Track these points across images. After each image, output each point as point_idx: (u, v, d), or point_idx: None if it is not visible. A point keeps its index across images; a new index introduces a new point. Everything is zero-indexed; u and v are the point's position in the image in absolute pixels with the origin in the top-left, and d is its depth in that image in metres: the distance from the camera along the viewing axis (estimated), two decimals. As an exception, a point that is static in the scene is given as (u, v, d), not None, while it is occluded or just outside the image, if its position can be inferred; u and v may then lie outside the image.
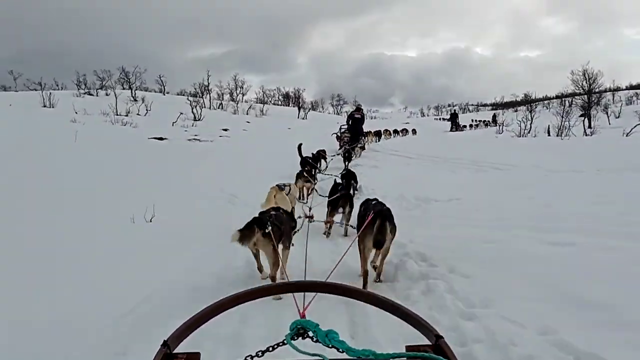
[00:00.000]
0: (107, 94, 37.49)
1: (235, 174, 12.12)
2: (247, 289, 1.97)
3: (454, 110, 56.68)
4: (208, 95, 45.93)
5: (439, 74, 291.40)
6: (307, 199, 9.95)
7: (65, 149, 13.01)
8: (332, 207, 7.35)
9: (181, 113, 25.49)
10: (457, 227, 6.75)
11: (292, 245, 5.54)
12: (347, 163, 14.70)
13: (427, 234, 6.34)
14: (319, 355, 1.42)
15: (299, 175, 10.31)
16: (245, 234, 4.69)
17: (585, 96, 39.25)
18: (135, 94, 39.19)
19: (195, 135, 21.09)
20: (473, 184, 10.49)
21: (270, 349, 1.69)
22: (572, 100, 41.25)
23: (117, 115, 26.12)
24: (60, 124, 18.95)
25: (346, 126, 20.44)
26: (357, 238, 5.11)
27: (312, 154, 14.38)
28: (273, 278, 4.84)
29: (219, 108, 43.01)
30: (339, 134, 20.86)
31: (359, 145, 19.77)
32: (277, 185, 8.18)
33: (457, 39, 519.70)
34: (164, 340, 1.50)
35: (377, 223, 4.86)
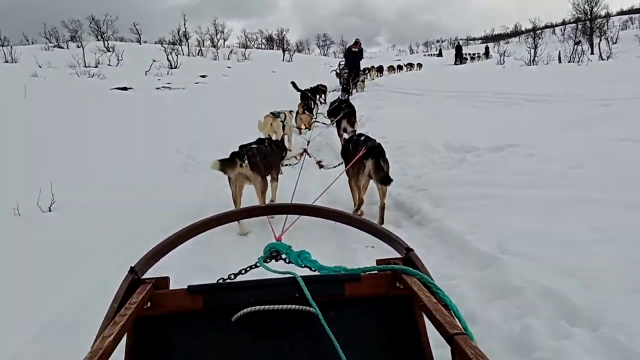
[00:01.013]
0: (78, 46, 35.06)
1: (202, 128, 10.13)
2: (217, 213, 2.14)
3: (458, 43, 55.74)
4: (186, 42, 43.46)
5: (423, 10, 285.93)
6: (311, 129, 9.78)
7: (9, 106, 11.36)
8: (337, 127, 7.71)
9: (154, 60, 23.36)
10: (569, 205, 4.04)
11: (281, 173, 5.60)
12: (346, 96, 14.25)
13: (522, 230, 3.75)
14: (289, 273, 1.47)
15: (298, 108, 10.21)
16: (226, 164, 4.66)
17: (579, 23, 37.40)
18: (107, 44, 36.58)
19: (168, 84, 19.25)
20: (515, 122, 8.38)
21: (243, 271, 1.80)
22: (576, 27, 39.05)
23: (86, 67, 24.13)
24: (18, 80, 17.14)
25: (344, 62, 19.65)
26: (348, 175, 5.10)
27: (311, 87, 13.69)
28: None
29: (198, 55, 40.53)
30: (338, 70, 20.33)
31: (360, 79, 19.45)
32: (271, 113, 8.14)
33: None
34: (131, 267, 1.54)
35: (371, 162, 4.80)
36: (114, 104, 13.06)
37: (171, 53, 27.69)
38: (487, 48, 55.75)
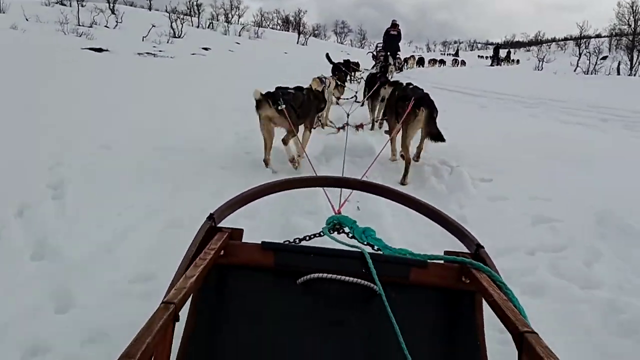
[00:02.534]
0: (82, 5, 32.84)
1: (149, 112, 6.96)
2: (292, 177, 2.26)
3: (497, 44, 54.08)
4: (198, 13, 41.15)
5: (440, 8, 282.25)
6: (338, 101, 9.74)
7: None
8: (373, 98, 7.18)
9: (153, 26, 21.05)
10: None
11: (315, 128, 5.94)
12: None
13: None
14: (357, 248, 1.48)
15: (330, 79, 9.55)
16: (262, 102, 4.65)
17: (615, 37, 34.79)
18: (113, 6, 34.16)
19: (160, 51, 16.94)
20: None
21: (307, 238, 1.83)
22: (617, 40, 36.45)
23: (79, 25, 21.88)
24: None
25: (382, 44, 18.83)
26: (401, 128, 4.93)
27: (344, 60, 13.33)
28: (284, 141, 4.80)
29: (208, 28, 38.16)
30: (374, 53, 19.74)
31: (397, 65, 19.13)
32: (318, 77, 8.34)
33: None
34: (210, 213, 1.58)
35: (424, 113, 4.73)
36: (72, 68, 10.51)
37: (176, 21, 25.36)
38: (497, 48, 50.44)
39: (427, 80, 16.79)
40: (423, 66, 33.12)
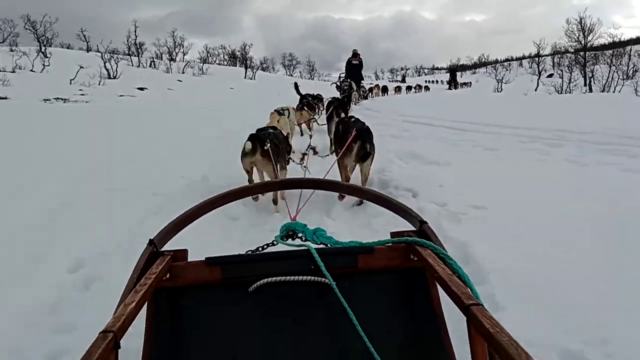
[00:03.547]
0: (11, 50, 30.65)
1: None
2: (235, 187, 2.18)
3: (454, 67, 55.82)
4: (139, 53, 39.49)
5: (385, 38, 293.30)
6: (310, 130, 10.04)
7: None
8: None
9: (81, 67, 19.33)
10: None
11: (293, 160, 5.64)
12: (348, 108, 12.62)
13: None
14: (305, 246, 1.51)
15: (299, 109, 10.02)
16: (253, 148, 4.67)
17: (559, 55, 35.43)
18: (45, 49, 32.01)
19: (82, 94, 15.20)
20: None
21: (260, 248, 1.84)
22: (560, 58, 37.21)
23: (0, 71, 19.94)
24: None
25: (345, 74, 19.25)
26: (338, 159, 5.15)
27: (308, 95, 13.20)
28: (274, 201, 4.83)
29: (150, 66, 36.51)
30: (338, 83, 19.70)
31: (358, 96, 19.60)
32: (275, 110, 8.15)
33: (403, 2, 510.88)
34: (150, 239, 1.58)
35: (358, 144, 4.92)
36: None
37: (109, 61, 23.70)
38: (453, 73, 51.32)
39: (396, 111, 15.34)
40: (387, 94, 33.27)
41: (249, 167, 4.85)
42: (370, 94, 28.70)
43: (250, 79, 41.27)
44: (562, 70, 29.42)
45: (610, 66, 21.88)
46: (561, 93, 19.91)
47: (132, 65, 33.60)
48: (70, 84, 18.56)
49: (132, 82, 21.59)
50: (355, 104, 18.89)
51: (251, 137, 4.77)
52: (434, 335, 1.46)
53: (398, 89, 37.98)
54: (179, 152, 7.52)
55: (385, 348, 1.32)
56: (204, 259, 1.47)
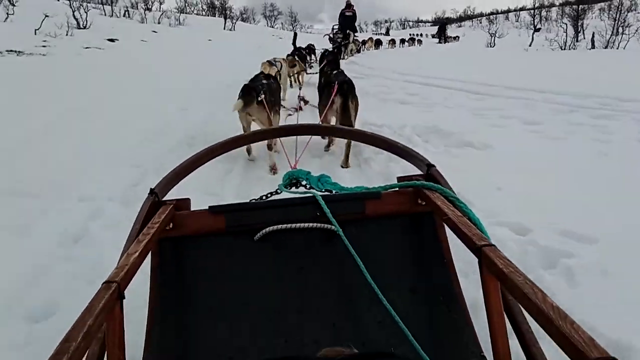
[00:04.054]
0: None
1: None
2: (234, 136, 2.12)
3: (443, 21, 56.13)
4: (111, 1, 37.36)
5: None
6: (301, 82, 9.92)
7: None
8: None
9: (46, 16, 18.02)
10: None
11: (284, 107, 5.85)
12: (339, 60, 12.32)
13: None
14: (310, 193, 1.52)
15: (290, 61, 9.80)
16: (246, 101, 4.63)
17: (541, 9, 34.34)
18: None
19: (44, 46, 14.10)
20: None
21: (264, 197, 1.80)
22: (547, 11, 36.23)
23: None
24: None
25: (338, 26, 18.95)
26: (319, 111, 5.09)
27: (302, 47, 12.93)
28: (269, 146, 4.80)
29: (124, 16, 34.63)
30: (331, 35, 19.60)
31: (355, 48, 19.30)
32: (268, 61, 7.97)
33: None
34: (151, 189, 1.56)
35: (339, 100, 4.74)
36: None
37: (78, 9, 22.21)
38: (443, 27, 50.27)
39: (394, 69, 13.78)
40: (381, 47, 32.28)
41: (245, 118, 4.86)
42: (363, 47, 27.77)
43: (230, 30, 39.63)
44: (558, 25, 28.77)
45: (615, 20, 21.06)
46: (564, 49, 19.06)
47: (105, 14, 31.85)
48: (35, 34, 17.35)
49: (103, 32, 20.35)
50: (348, 56, 18.73)
51: (244, 88, 4.77)
52: (444, 279, 1.43)
53: (392, 42, 36.76)
54: (102, 132, 5.73)
55: (394, 293, 1.30)
56: (207, 207, 1.43)
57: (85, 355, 0.82)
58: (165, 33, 26.55)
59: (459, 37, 47.12)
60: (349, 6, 18.40)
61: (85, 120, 6.16)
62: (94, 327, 0.84)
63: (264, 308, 1.37)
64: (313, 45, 14.63)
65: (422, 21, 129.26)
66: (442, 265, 1.46)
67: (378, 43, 32.89)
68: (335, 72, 5.70)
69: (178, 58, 14.99)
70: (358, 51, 22.61)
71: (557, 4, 34.71)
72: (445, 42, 40.60)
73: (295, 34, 13.38)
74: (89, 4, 26.16)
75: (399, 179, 1.61)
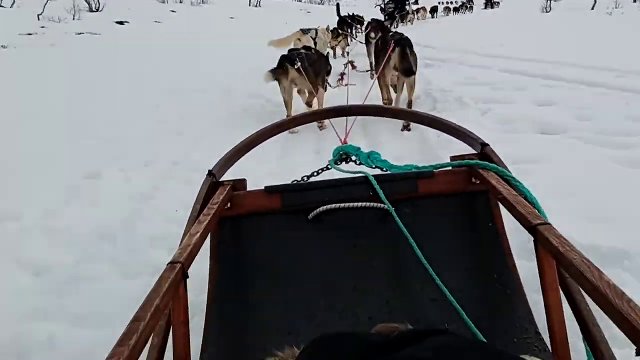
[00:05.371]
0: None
1: None
2: (284, 118, 2.33)
3: None
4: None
5: None
6: (343, 52, 9.91)
7: None
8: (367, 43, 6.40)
9: (48, -1, 16.55)
10: None
11: (329, 85, 5.70)
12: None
13: None
14: (362, 172, 1.52)
15: (333, 32, 9.80)
16: (278, 72, 4.74)
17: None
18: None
19: (36, 33, 12.49)
20: None
21: (315, 173, 1.81)
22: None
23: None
24: None
25: None
26: (379, 73, 5.06)
27: (349, 14, 12.64)
28: (309, 104, 5.07)
29: (146, -4, 33.14)
30: (382, 5, 19.04)
31: (407, 19, 19.22)
32: (301, 29, 8.02)
33: None
34: (209, 170, 1.62)
35: (397, 51, 4.73)
36: None
37: (91, -11, 20.73)
38: None
39: (466, 48, 9.91)
40: (436, 15, 29.63)
41: (285, 89, 4.86)
42: (415, 16, 24.45)
43: (255, 6, 37.62)
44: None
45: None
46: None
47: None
48: (38, 19, 15.96)
49: (115, 15, 18.82)
50: (405, 23, 18.99)
51: (280, 58, 4.85)
52: (499, 258, 1.43)
53: (447, 10, 33.78)
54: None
55: (447, 272, 1.31)
56: (262, 187, 1.49)
57: (153, 332, 0.87)
58: (184, 12, 24.83)
59: (499, 3, 43.71)
60: None
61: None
62: (160, 306, 0.88)
63: (318, 285, 1.38)
64: (361, 16, 13.60)
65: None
66: (496, 243, 1.44)
67: (433, 11, 29.94)
68: (391, 33, 5.68)
69: (187, 42, 13.06)
70: (410, 22, 21.17)
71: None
72: (492, 8, 39.19)
73: (338, 4, 12.82)
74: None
75: (452, 158, 1.59)
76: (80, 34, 12.61)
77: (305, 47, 5.66)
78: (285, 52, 5.13)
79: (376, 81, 5.19)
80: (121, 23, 16.71)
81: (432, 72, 7.37)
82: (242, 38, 14.29)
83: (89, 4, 20.58)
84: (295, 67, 4.70)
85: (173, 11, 24.57)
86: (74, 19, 16.90)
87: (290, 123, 2.25)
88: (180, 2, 32.07)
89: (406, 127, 4.42)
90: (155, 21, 18.77)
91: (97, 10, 20.46)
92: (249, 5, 37.54)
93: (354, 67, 6.83)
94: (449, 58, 8.96)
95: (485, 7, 40.73)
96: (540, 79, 6.42)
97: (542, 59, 7.78)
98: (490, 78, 6.70)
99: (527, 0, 36.39)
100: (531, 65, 7.39)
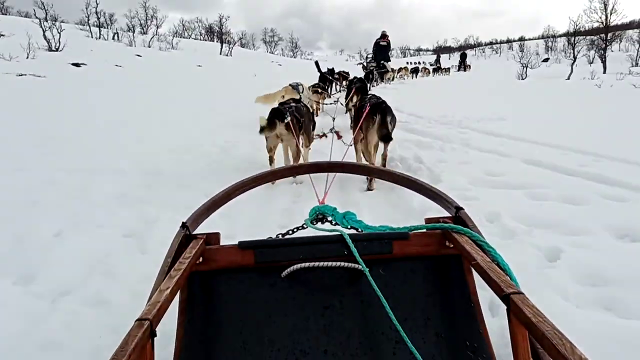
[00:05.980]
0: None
1: None
2: (264, 171, 2.24)
3: (464, 51, 56.37)
4: (109, 24, 35.82)
5: (365, 18, 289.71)
6: (317, 113, 9.60)
7: None
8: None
9: (1, 35, 15.66)
10: None
11: (314, 138, 5.68)
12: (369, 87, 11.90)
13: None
14: (337, 231, 1.49)
15: (312, 88, 9.94)
16: (271, 124, 4.66)
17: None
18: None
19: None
20: None
21: (290, 232, 1.81)
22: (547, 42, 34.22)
23: None
24: None
25: (372, 55, 19.45)
26: (355, 139, 5.00)
27: (328, 69, 12.74)
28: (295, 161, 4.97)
29: (114, 39, 32.54)
30: (365, 64, 20.18)
31: (387, 76, 19.63)
32: (290, 84, 8.13)
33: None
34: (183, 222, 1.56)
35: (377, 118, 4.70)
36: None
37: (50, 29, 19.92)
38: (463, 55, 49.90)
39: (462, 121, 8.57)
40: (416, 77, 30.60)
41: (271, 141, 4.83)
42: (396, 75, 25.11)
43: (226, 55, 37.52)
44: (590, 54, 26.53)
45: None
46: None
47: (92, 37, 29.82)
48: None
49: (75, 55, 17.98)
50: (386, 83, 19.57)
51: (271, 111, 4.78)
52: (471, 324, 1.41)
53: (425, 71, 34.32)
54: None
55: (419, 336, 1.33)
56: (236, 242, 1.45)
57: None
58: (150, 57, 24.18)
59: (470, 66, 46.08)
60: (383, 36, 18.97)
61: None
62: None
63: (289, 346, 1.34)
64: (347, 73, 13.96)
65: (422, 50, 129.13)
66: (468, 309, 1.42)
67: (415, 71, 30.63)
68: (369, 96, 5.63)
69: (142, 90, 12.28)
70: (391, 80, 21.84)
71: (587, 29, 32.05)
72: (465, 70, 42.12)
73: (317, 62, 13.09)
74: (60, 24, 23.51)
75: (427, 220, 1.61)
76: (22, 75, 11.61)
77: (294, 100, 5.66)
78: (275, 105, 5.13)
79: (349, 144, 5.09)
80: (77, 65, 15.83)
81: (433, 159, 5.44)
82: (203, 90, 13.70)
83: (48, 42, 19.72)
84: (285, 121, 4.67)
85: (139, 55, 23.87)
86: (27, 57, 15.94)
87: (269, 176, 2.23)
88: (149, 46, 31.63)
89: (369, 188, 4.49)
90: (117, 65, 17.97)
91: (57, 49, 19.58)
92: (220, 53, 37.44)
93: (339, 137, 6.68)
94: (448, 136, 7.08)
95: (459, 70, 43.54)
96: (594, 182, 4.28)
97: (576, 147, 5.78)
98: (518, 175, 4.69)
99: (491, 65, 37.79)
100: (565, 155, 5.46)
